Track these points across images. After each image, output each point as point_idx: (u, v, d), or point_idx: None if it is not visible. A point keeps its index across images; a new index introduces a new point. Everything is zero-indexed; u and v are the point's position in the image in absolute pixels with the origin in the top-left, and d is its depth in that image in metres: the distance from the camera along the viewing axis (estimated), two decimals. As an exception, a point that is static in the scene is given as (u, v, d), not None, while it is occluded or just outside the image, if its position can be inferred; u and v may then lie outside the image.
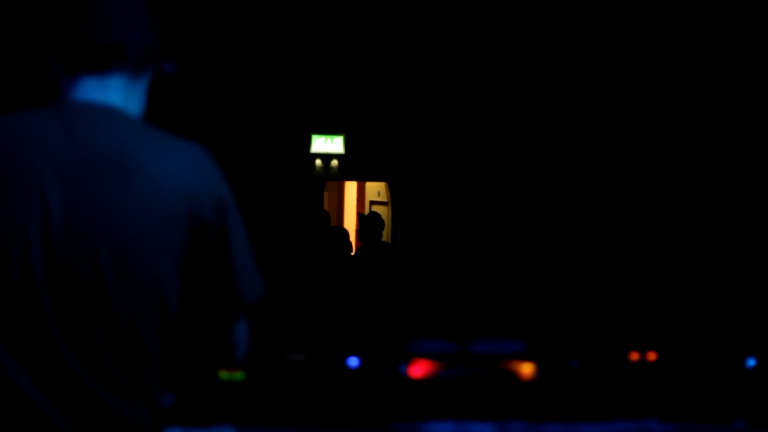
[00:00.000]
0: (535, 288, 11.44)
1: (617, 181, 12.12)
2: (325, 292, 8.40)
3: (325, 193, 13.57)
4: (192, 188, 1.84)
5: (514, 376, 6.41)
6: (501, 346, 6.59)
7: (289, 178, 12.61)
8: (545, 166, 12.27)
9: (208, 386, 5.93)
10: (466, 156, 12.44)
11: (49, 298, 1.74)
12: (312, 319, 7.41)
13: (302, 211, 11.85)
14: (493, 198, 12.34)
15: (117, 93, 1.89)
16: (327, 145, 12.77)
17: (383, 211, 13.45)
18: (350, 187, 14.78)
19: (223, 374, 6.01)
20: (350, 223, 14.48)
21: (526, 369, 6.43)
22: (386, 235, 11.05)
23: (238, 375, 6.02)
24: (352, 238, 13.97)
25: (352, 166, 12.79)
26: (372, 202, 14.65)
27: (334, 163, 12.80)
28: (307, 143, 12.73)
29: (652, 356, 6.82)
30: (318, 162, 12.79)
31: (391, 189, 13.80)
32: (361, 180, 14.32)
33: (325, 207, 13.19)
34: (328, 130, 12.73)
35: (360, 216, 10.22)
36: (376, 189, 14.74)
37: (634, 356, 6.81)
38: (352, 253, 9.82)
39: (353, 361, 6.35)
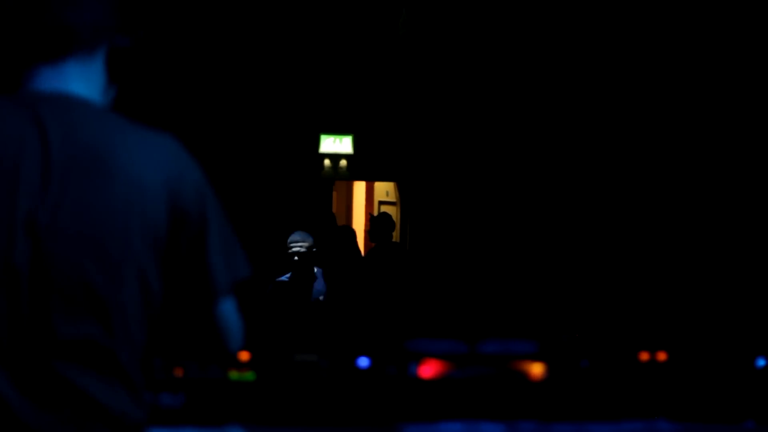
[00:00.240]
0: (544, 288, 11.43)
1: (630, 181, 12.11)
2: (335, 292, 8.39)
3: (334, 194, 13.58)
4: (171, 177, 1.84)
5: (524, 376, 6.41)
6: (511, 346, 6.58)
7: (298, 178, 12.62)
8: (554, 166, 12.27)
9: (218, 387, 5.94)
10: (474, 156, 12.43)
11: (31, 292, 1.74)
12: (322, 319, 7.42)
13: (309, 211, 11.86)
14: (502, 197, 12.34)
15: (76, 79, 1.87)
16: (336, 145, 12.78)
17: (392, 211, 13.44)
18: (359, 188, 14.78)
19: (234, 374, 6.02)
20: (359, 223, 14.48)
21: (536, 369, 6.43)
22: (395, 236, 11.04)
23: (249, 375, 6.03)
24: (361, 238, 14.01)
25: (361, 166, 12.80)
26: (381, 203, 14.65)
27: (343, 163, 12.81)
28: (316, 143, 12.74)
29: (662, 356, 6.81)
30: (327, 162, 12.80)
31: (400, 189, 13.80)
32: (370, 180, 14.32)
33: (334, 207, 13.20)
34: (337, 131, 12.74)
35: (371, 216, 10.22)
36: (384, 189, 14.73)
37: (644, 356, 6.80)
38: (362, 254, 9.83)
39: (363, 362, 6.36)
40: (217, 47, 12.26)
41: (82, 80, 1.88)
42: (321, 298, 7.62)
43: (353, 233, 9.97)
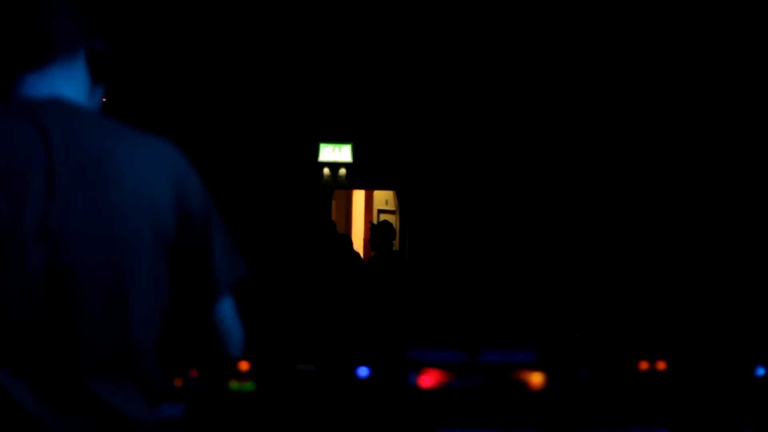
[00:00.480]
0: (544, 297, 11.43)
1: (628, 192, 12.12)
2: (335, 301, 8.40)
3: (333, 202, 13.58)
4: (176, 180, 1.87)
5: (524, 386, 6.40)
6: (511, 355, 6.59)
7: (297, 186, 12.62)
8: (553, 176, 12.27)
9: (218, 397, 5.93)
10: (474, 164, 12.44)
11: (47, 301, 1.74)
12: (322, 328, 7.42)
13: (309, 220, 11.86)
14: (501, 206, 12.34)
15: (62, 84, 1.90)
16: (335, 153, 12.78)
17: (391, 220, 13.42)
18: (358, 196, 14.79)
19: (233, 384, 6.01)
20: (358, 231, 14.48)
21: (536, 378, 6.43)
22: (394, 244, 11.06)
23: (248, 385, 6.03)
24: (361, 246, 14.01)
25: (360, 174, 12.80)
26: (380, 211, 14.65)
27: (342, 171, 12.81)
28: (315, 152, 12.75)
29: (661, 366, 6.81)
30: (326, 171, 12.81)
31: (399, 198, 13.81)
32: (369, 189, 14.33)
33: (333, 216, 13.19)
34: (336, 139, 12.75)
35: (372, 225, 10.20)
36: (383, 198, 14.74)
37: (644, 366, 6.80)
38: (359, 262, 9.82)
39: (363, 371, 6.35)
40: (218, 56, 12.27)
41: (68, 84, 1.91)
42: None
43: (350, 240, 9.97)
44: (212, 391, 5.88)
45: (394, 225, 9.83)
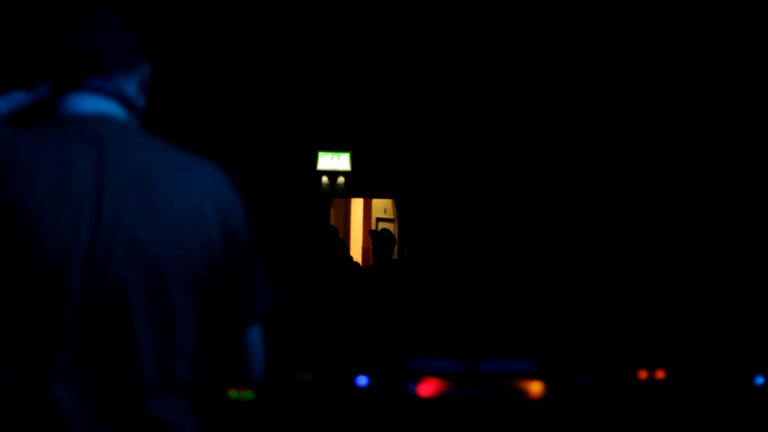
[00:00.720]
0: (543, 306, 11.42)
1: (626, 200, 12.13)
2: (334, 309, 8.39)
3: (332, 210, 13.58)
4: (221, 202, 1.88)
5: (523, 395, 6.40)
6: (510, 364, 6.58)
7: (296, 195, 12.62)
8: (551, 185, 12.28)
9: (217, 405, 5.93)
10: (473, 173, 12.45)
11: (95, 316, 1.74)
12: (321, 337, 7.41)
13: (308, 228, 11.86)
14: (500, 214, 12.35)
15: (113, 101, 1.91)
16: (333, 162, 12.78)
17: (390, 228, 13.44)
18: (357, 204, 14.79)
19: (233, 393, 6.00)
20: (356, 240, 14.48)
21: (535, 387, 6.42)
22: (393, 252, 11.06)
23: (248, 394, 6.02)
24: (359, 255, 14.00)
25: (359, 183, 12.80)
26: (379, 219, 14.65)
27: (341, 180, 12.81)
28: (314, 160, 12.75)
29: (660, 374, 6.81)
30: (324, 179, 12.81)
31: (398, 206, 13.81)
32: (368, 197, 14.32)
33: (332, 224, 13.19)
34: (335, 147, 12.75)
35: (372, 233, 10.20)
36: (382, 206, 14.74)
37: (643, 374, 6.80)
38: (358, 270, 9.82)
39: (362, 380, 6.35)
40: (216, 64, 12.28)
41: (119, 102, 1.91)
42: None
43: (346, 246, 9.97)
44: (211, 400, 5.88)
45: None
